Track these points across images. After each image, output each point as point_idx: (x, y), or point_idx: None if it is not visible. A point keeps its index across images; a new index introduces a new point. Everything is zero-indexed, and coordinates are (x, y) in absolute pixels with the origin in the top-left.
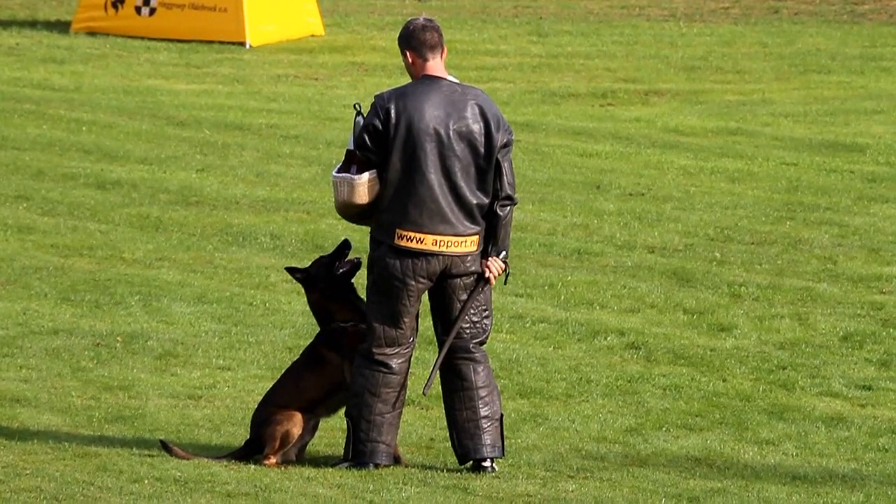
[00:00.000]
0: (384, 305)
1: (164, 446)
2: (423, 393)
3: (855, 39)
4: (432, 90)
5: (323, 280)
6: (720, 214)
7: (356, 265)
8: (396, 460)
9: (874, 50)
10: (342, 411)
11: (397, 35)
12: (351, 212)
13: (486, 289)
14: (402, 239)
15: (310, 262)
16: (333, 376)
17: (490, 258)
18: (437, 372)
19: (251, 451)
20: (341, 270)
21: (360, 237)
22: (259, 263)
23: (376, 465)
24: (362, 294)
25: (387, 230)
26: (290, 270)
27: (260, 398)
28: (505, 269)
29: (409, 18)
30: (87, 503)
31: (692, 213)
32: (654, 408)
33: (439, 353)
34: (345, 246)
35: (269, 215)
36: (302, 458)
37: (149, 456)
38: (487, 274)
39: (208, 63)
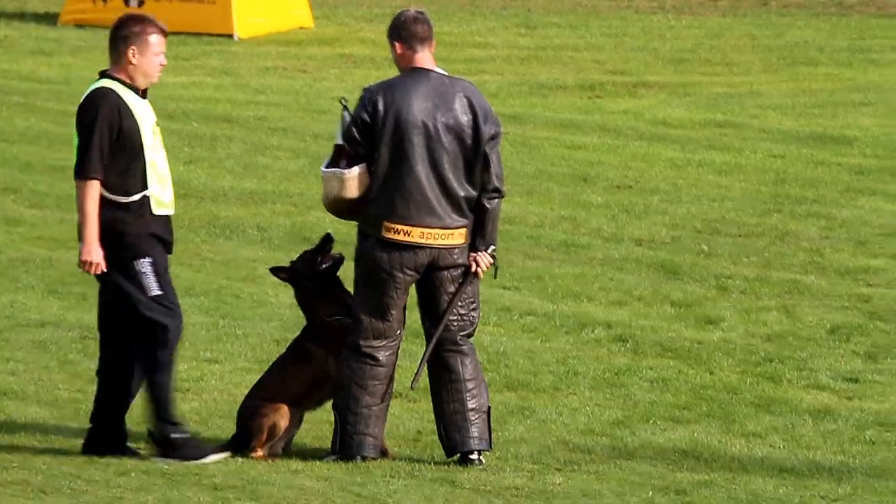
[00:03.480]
0: (371, 298)
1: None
2: (411, 387)
3: (843, 32)
4: (420, 82)
5: (307, 275)
6: (707, 207)
7: (339, 260)
8: (384, 453)
9: (862, 42)
10: (329, 404)
11: (387, 27)
12: (341, 207)
13: (473, 281)
14: (390, 231)
15: (296, 256)
16: (318, 370)
17: (479, 252)
18: (425, 365)
19: (238, 445)
20: (324, 265)
21: (346, 230)
22: (246, 256)
23: (363, 458)
24: (350, 288)
25: (374, 223)
26: (274, 271)
27: (247, 391)
28: (493, 263)
29: (397, 11)
30: (75, 496)
31: (679, 205)
32: (642, 400)
33: (427, 346)
34: (327, 240)
35: (256, 207)
36: (288, 450)
37: (136, 448)
38: (475, 268)
39: (196, 55)
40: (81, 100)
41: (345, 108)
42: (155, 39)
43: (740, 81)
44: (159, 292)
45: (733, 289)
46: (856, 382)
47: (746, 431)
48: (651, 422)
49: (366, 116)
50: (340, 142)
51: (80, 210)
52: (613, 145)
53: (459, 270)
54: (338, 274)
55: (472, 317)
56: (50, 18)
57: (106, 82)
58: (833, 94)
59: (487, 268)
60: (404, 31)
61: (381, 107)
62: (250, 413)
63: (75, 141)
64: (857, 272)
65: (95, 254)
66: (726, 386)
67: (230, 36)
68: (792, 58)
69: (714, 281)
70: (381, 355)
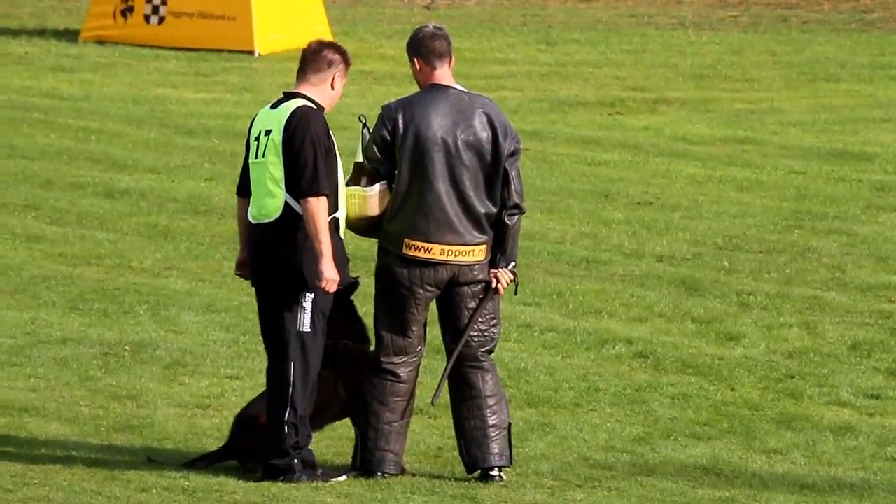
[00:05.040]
0: (392, 314)
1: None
2: (432, 403)
3: (864, 48)
4: (440, 99)
5: None
6: (728, 223)
7: (351, 285)
8: (403, 471)
9: (883, 58)
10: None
11: (406, 42)
12: (361, 224)
13: (494, 298)
14: (410, 248)
15: None
16: (325, 393)
17: (499, 268)
18: (446, 381)
19: (229, 456)
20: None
21: (367, 246)
22: None
23: (384, 474)
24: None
25: (395, 240)
26: None
27: (251, 403)
28: (514, 280)
29: (417, 26)
30: None
31: (700, 221)
32: (662, 417)
33: (448, 362)
34: None
35: None
36: None
37: (157, 465)
38: (496, 284)
39: (217, 72)
40: (284, 119)
41: (364, 125)
42: (347, 73)
43: (761, 97)
44: (308, 330)
45: (754, 305)
46: (877, 399)
47: (767, 448)
48: (672, 438)
49: (386, 134)
50: (361, 159)
51: (317, 226)
52: (634, 161)
53: (480, 286)
54: (352, 299)
55: (493, 333)
56: (70, 35)
57: (306, 102)
58: (854, 111)
59: (508, 284)
60: (423, 48)
61: (400, 124)
62: (255, 432)
63: (274, 159)
64: (878, 288)
65: (335, 271)
66: (747, 402)
67: (251, 52)
68: (813, 74)
69: (735, 297)
70: (402, 372)
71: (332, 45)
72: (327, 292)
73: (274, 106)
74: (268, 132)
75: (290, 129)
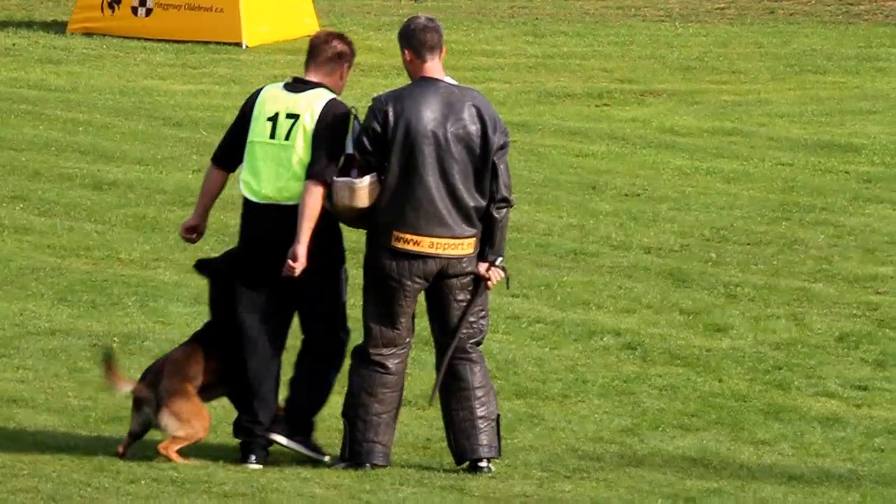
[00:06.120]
0: (380, 306)
1: (107, 359)
2: (429, 403)
3: (850, 40)
4: (429, 92)
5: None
6: (716, 215)
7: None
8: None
9: (870, 50)
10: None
11: (395, 34)
12: (350, 215)
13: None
14: (399, 241)
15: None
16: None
17: (491, 266)
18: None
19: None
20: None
21: (356, 237)
22: None
23: (373, 466)
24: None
25: (384, 232)
26: (199, 266)
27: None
28: (504, 275)
29: (405, 19)
30: None
31: (688, 213)
32: (651, 408)
33: (443, 358)
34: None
35: None
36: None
37: (146, 456)
38: (486, 280)
39: (204, 63)
40: (318, 109)
41: (355, 117)
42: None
43: (748, 89)
44: (344, 301)
45: (742, 297)
46: (864, 390)
47: (755, 439)
48: (660, 429)
49: (376, 126)
50: (351, 151)
51: (314, 209)
52: (621, 153)
53: (469, 278)
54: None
55: (481, 325)
56: (58, 27)
57: (332, 94)
58: (841, 103)
59: (498, 281)
60: (414, 39)
61: (391, 117)
62: (178, 393)
63: (304, 145)
64: (865, 280)
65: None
66: (735, 394)
67: (238, 44)
68: (799, 66)
69: (723, 289)
70: (391, 363)
71: (340, 37)
72: (293, 273)
73: (291, 89)
74: (292, 116)
75: (324, 120)
